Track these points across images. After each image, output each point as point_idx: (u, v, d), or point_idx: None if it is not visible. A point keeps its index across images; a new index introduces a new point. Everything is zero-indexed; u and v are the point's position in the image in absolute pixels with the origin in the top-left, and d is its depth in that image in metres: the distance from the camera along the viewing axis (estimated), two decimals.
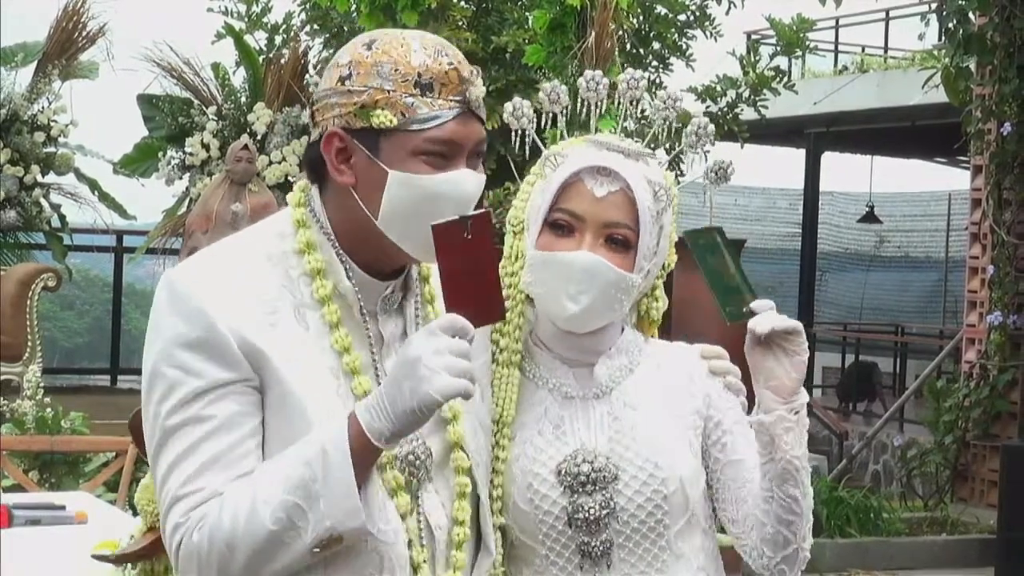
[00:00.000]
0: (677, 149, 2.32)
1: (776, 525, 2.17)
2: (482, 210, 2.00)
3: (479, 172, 2.08)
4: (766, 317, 2.15)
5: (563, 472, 2.19)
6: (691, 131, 2.31)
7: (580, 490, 2.19)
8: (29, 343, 9.45)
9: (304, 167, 2.14)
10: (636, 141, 2.29)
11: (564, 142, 2.29)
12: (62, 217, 10.95)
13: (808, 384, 15.93)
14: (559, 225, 2.20)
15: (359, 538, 1.96)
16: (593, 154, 2.22)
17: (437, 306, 2.13)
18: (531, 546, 2.21)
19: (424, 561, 2.04)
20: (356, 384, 2.03)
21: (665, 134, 2.33)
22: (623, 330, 2.31)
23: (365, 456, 1.93)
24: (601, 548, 2.19)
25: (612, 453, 2.21)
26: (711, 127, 2.31)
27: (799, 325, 2.16)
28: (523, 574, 2.23)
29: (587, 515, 2.18)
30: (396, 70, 2.01)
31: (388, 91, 2.01)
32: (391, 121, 2.00)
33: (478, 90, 2.06)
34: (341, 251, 2.08)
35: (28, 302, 9.49)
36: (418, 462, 2.07)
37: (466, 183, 2.04)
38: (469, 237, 1.95)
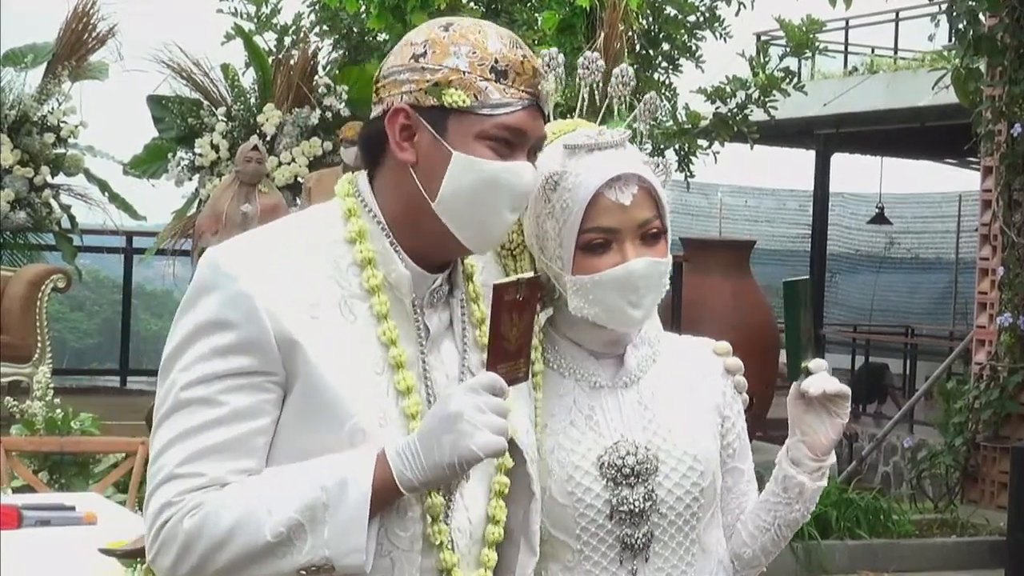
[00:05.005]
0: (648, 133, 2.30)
1: (759, 553, 2.31)
2: (533, 274, 2.02)
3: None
4: (818, 379, 2.20)
5: (605, 464, 2.18)
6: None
7: (623, 482, 2.18)
8: (39, 344, 9.45)
9: (360, 145, 2.10)
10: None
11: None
12: (72, 218, 10.95)
13: None
14: (595, 245, 2.17)
15: (353, 573, 1.92)
16: (599, 165, 2.17)
17: (482, 304, 2.10)
18: (563, 541, 2.19)
19: (455, 564, 2.01)
20: (400, 379, 1.99)
21: (588, 102, 2.30)
22: None
23: (385, 499, 1.92)
24: (643, 540, 2.19)
25: (651, 444, 2.20)
26: (632, 71, 2.30)
27: (847, 390, 2.21)
28: (551, 570, 2.20)
29: (631, 507, 2.17)
30: (474, 52, 2.00)
31: (463, 72, 1.99)
32: (464, 101, 1.98)
33: (549, 85, 2.05)
34: (394, 240, 2.04)
35: (38, 303, 9.49)
36: None
37: (525, 175, 2.03)
38: (520, 298, 1.96)
